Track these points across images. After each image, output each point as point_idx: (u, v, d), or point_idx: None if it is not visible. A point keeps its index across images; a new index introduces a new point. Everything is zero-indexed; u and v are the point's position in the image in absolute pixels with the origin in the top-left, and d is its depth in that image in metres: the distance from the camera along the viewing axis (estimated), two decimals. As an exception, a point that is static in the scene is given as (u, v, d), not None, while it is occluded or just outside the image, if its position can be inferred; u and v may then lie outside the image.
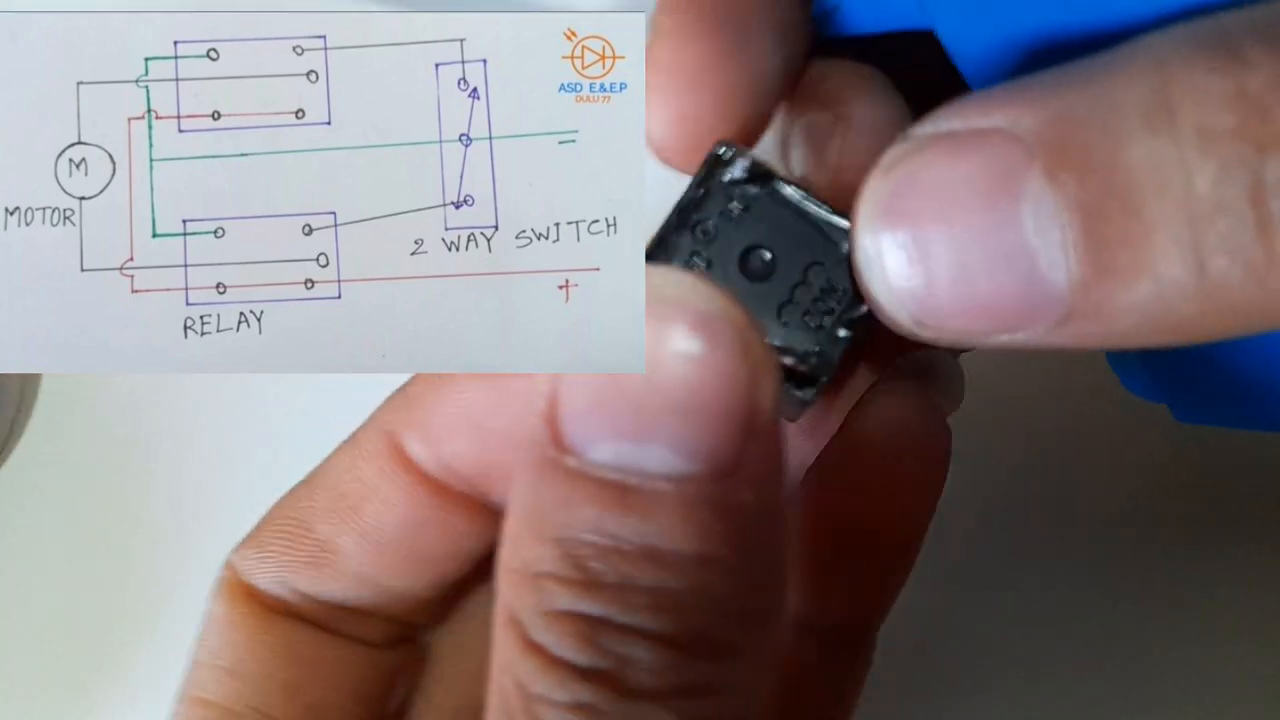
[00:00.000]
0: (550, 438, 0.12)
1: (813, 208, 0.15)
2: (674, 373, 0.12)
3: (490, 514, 0.17)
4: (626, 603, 0.12)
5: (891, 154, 0.13)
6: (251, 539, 0.18)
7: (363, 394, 0.31)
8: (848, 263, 0.15)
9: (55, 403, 0.32)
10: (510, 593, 0.13)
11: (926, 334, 0.13)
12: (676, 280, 0.12)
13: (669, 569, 0.12)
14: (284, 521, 0.18)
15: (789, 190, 0.15)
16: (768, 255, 0.15)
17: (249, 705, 0.16)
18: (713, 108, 0.15)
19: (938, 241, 0.12)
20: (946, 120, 0.13)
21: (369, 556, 0.17)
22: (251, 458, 0.31)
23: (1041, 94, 0.12)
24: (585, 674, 0.12)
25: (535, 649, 0.12)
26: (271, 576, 0.17)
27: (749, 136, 0.16)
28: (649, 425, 0.12)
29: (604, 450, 0.12)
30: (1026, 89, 0.12)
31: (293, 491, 0.18)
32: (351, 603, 0.17)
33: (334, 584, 0.17)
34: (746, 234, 0.15)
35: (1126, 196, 0.11)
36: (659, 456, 0.12)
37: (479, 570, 0.18)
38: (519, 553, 0.13)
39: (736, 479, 0.12)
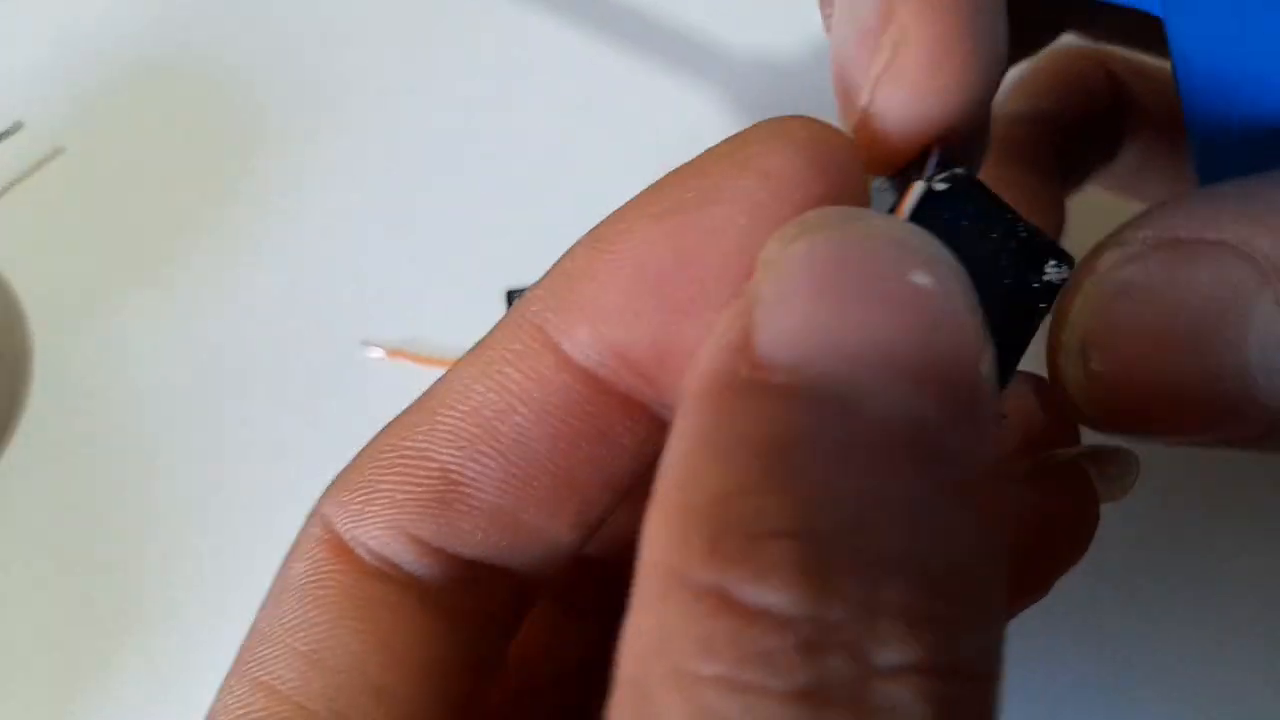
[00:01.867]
0: (749, 363, 0.10)
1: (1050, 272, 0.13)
2: (910, 299, 0.10)
3: (656, 425, 0.14)
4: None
5: (1109, 257, 0.13)
6: (350, 480, 0.14)
7: (355, 388, 0.31)
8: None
9: (48, 398, 0.32)
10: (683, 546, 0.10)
11: (1114, 429, 0.13)
12: (915, 231, 0.11)
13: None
14: (395, 453, 0.13)
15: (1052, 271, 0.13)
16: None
17: (330, 708, 0.13)
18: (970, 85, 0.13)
19: (1154, 352, 0.12)
20: (1170, 226, 0.12)
21: (510, 485, 0.13)
22: (247, 454, 0.31)
23: (1275, 215, 0.12)
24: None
25: (732, 608, 0.09)
26: (384, 524, 0.13)
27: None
28: (877, 350, 0.10)
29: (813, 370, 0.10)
30: (1257, 205, 0.12)
31: (400, 419, 0.14)
32: (486, 558, 0.13)
33: (466, 527, 0.13)
34: (972, 242, 0.13)
35: None
36: (889, 391, 0.10)
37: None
38: (705, 481, 0.10)
39: (946, 428, 0.10)
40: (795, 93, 0.36)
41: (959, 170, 0.13)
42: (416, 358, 0.32)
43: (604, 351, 0.13)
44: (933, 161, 0.13)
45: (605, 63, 0.37)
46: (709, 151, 0.13)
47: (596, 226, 0.13)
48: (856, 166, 0.13)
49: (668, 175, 0.13)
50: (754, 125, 0.13)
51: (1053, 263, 0.13)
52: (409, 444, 0.13)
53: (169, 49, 0.38)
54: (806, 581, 0.09)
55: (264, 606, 0.14)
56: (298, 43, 0.38)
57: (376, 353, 0.32)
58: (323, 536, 0.14)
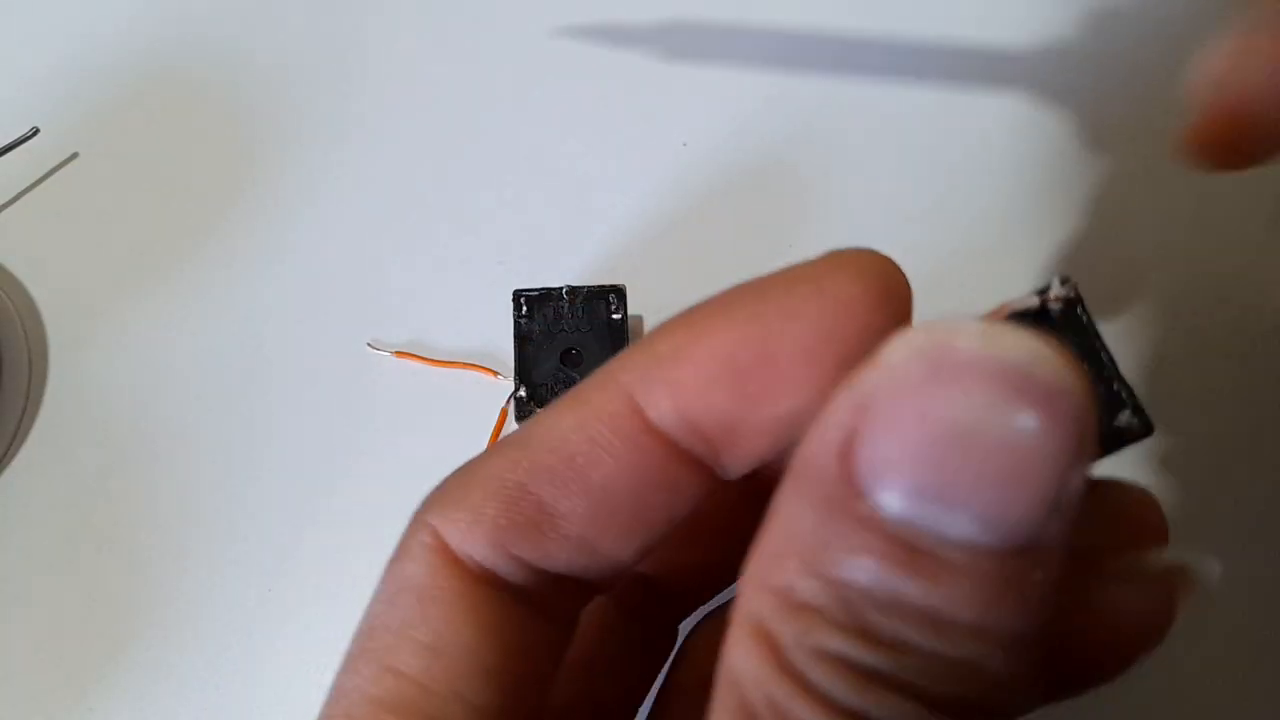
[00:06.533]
0: (843, 476, 0.12)
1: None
2: (1002, 441, 0.11)
3: (715, 481, 0.16)
4: (901, 661, 0.11)
5: None
6: (457, 499, 0.16)
7: (361, 388, 0.32)
8: None
9: (63, 398, 0.33)
10: (763, 608, 0.12)
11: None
12: (1032, 348, 0.11)
13: (949, 636, 0.11)
14: (499, 483, 0.16)
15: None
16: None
17: (450, 688, 0.15)
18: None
19: None
20: None
21: (593, 521, 0.16)
22: (256, 452, 0.32)
23: None
24: (851, 716, 0.11)
25: (796, 677, 0.12)
26: (488, 542, 0.16)
27: None
28: (961, 490, 0.11)
29: (901, 504, 0.12)
30: None
31: (501, 452, 0.16)
32: (567, 572, 0.16)
33: (555, 550, 0.16)
34: None
35: None
36: (961, 524, 0.11)
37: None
38: (781, 574, 0.12)
39: (1031, 557, 0.12)
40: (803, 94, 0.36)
41: (1074, 297, 0.13)
42: (422, 359, 0.32)
43: (681, 422, 0.15)
44: (1055, 283, 0.14)
45: (614, 66, 0.37)
46: (787, 271, 0.15)
47: (688, 312, 0.16)
48: (909, 297, 0.15)
49: (749, 284, 0.15)
50: (828, 253, 0.15)
51: (1128, 413, 0.13)
52: (511, 477, 0.16)
53: (181, 56, 0.38)
54: (856, 692, 0.12)
55: (378, 600, 0.16)
56: (307, 50, 0.38)
57: (383, 353, 0.33)
58: (433, 545, 0.16)
